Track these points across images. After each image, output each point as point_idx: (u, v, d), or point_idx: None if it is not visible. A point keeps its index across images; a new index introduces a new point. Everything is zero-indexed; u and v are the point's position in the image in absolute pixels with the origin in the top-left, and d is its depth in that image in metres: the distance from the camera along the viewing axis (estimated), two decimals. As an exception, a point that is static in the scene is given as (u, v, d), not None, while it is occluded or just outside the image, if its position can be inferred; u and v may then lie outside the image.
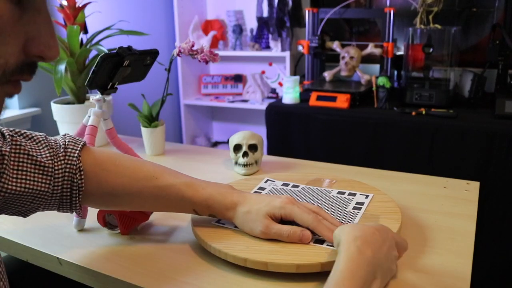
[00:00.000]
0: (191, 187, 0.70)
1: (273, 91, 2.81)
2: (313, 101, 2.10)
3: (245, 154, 1.04)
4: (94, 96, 0.89)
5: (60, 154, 0.67)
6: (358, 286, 0.52)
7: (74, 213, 0.72)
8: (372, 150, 1.94)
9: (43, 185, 0.64)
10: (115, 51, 0.84)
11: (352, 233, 0.58)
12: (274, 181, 0.91)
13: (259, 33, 2.74)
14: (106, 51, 1.13)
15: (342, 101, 2.04)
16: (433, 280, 0.63)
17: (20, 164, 0.63)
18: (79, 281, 0.72)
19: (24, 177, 0.62)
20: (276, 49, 2.60)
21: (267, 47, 2.75)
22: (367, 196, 0.82)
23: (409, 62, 2.11)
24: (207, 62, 1.08)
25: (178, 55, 1.08)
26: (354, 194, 0.83)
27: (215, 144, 3.12)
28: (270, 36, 2.63)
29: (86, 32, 1.40)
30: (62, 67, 1.15)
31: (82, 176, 0.67)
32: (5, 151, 0.61)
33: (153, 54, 0.93)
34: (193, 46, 1.08)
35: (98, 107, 0.89)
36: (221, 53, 2.71)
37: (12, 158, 0.62)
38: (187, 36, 2.79)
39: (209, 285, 0.63)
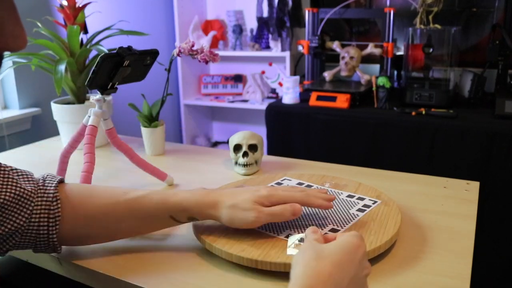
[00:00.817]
0: (162, 194, 0.69)
1: (273, 91, 2.81)
2: (313, 101, 2.10)
3: (245, 154, 1.04)
4: (94, 96, 0.89)
5: (40, 184, 0.67)
6: None
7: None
8: (372, 150, 1.94)
9: (20, 218, 0.63)
10: (115, 51, 0.84)
11: (301, 281, 0.49)
12: (290, 180, 0.93)
13: (259, 33, 2.74)
14: (106, 51, 1.13)
15: (342, 101, 2.04)
16: (433, 280, 0.63)
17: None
18: (79, 281, 0.72)
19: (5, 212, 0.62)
20: (276, 49, 2.60)
21: (267, 47, 2.75)
22: (374, 202, 0.81)
23: (409, 62, 2.11)
24: (207, 62, 1.08)
25: (178, 55, 1.08)
26: (363, 199, 0.83)
27: (215, 144, 3.12)
28: (270, 36, 2.63)
29: (86, 32, 1.40)
30: (62, 67, 1.15)
31: (59, 205, 0.66)
32: None
33: (153, 54, 0.93)
34: (193, 46, 1.08)
35: (98, 107, 0.89)
36: (221, 53, 2.71)
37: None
38: (187, 36, 2.79)
39: (209, 285, 0.63)
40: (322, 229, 0.71)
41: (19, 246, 0.66)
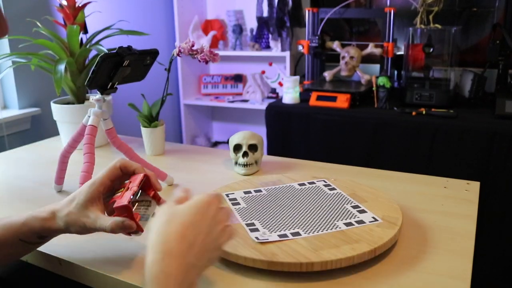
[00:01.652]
0: (8, 218, 0.66)
1: (273, 91, 2.81)
2: (313, 101, 2.10)
3: (245, 154, 1.04)
4: (94, 96, 0.89)
5: None
6: None
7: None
8: (372, 150, 1.94)
9: None
10: (115, 51, 0.84)
11: (155, 251, 0.51)
12: (326, 182, 0.93)
13: (259, 33, 2.74)
14: (106, 51, 1.13)
15: (342, 101, 2.04)
16: (433, 280, 0.63)
17: None
18: (79, 281, 0.71)
19: None
20: (276, 49, 2.60)
21: (267, 47, 2.74)
22: (374, 221, 0.75)
23: (409, 62, 2.11)
24: (207, 62, 1.08)
25: (178, 55, 1.08)
26: (365, 212, 0.78)
27: (215, 144, 3.12)
28: (270, 36, 2.63)
29: (86, 32, 1.40)
30: (62, 67, 1.15)
31: None
32: None
33: (153, 54, 0.93)
34: (193, 46, 1.08)
35: (98, 107, 0.89)
36: (221, 53, 2.71)
37: None
38: (187, 36, 2.79)
39: (209, 285, 0.63)
40: (288, 230, 0.71)
41: None
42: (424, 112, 1.88)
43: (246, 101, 2.78)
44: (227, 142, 2.60)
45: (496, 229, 1.75)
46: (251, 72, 2.84)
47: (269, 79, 2.75)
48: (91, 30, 1.42)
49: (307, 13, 2.25)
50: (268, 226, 0.73)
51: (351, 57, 2.18)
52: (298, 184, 0.91)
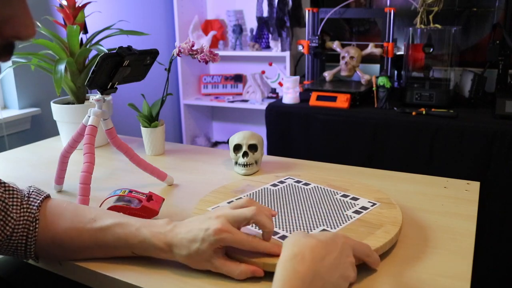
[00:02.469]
0: (125, 230, 0.67)
1: (273, 91, 2.81)
2: (313, 101, 2.10)
3: (245, 154, 1.04)
4: (94, 96, 0.89)
5: (24, 202, 0.69)
6: None
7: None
8: (372, 150, 1.94)
9: (2, 235, 0.65)
10: (115, 51, 0.84)
11: (291, 249, 0.56)
12: (294, 179, 0.94)
13: (259, 33, 2.74)
14: (106, 51, 1.12)
15: (342, 101, 2.04)
16: (433, 280, 0.63)
17: None
18: (79, 281, 0.71)
19: None
20: (276, 49, 2.60)
21: (267, 47, 2.75)
22: (373, 204, 0.81)
23: (409, 62, 2.11)
24: (207, 62, 1.08)
25: (178, 55, 1.08)
26: (357, 199, 0.83)
27: (215, 144, 3.12)
28: (270, 36, 2.63)
29: (86, 32, 1.39)
30: (62, 67, 1.15)
31: (37, 226, 0.68)
32: None
33: (153, 54, 0.93)
34: (193, 46, 1.08)
35: (98, 107, 0.89)
36: (221, 53, 2.71)
37: None
38: (187, 36, 2.79)
39: (209, 285, 0.63)
40: (313, 230, 0.72)
41: None
42: (424, 112, 1.88)
43: (246, 101, 2.78)
44: (227, 142, 2.60)
45: (496, 229, 1.75)
46: (251, 72, 2.84)
47: (269, 79, 2.75)
48: (91, 30, 1.42)
49: (307, 13, 2.25)
50: (284, 227, 0.73)
51: (351, 57, 2.18)
52: (271, 185, 0.90)
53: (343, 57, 2.20)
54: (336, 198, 0.83)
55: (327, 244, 0.58)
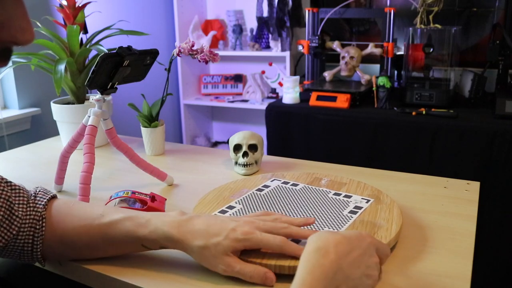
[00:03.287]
0: (134, 222, 0.66)
1: (273, 91, 2.81)
2: (313, 101, 2.10)
3: (245, 154, 1.04)
4: (94, 96, 0.89)
5: (30, 201, 0.68)
6: None
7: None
8: (372, 150, 1.94)
9: (8, 235, 0.65)
10: (115, 51, 0.84)
11: (315, 243, 0.56)
12: (280, 180, 0.93)
13: (259, 33, 2.74)
14: (106, 51, 1.12)
15: (342, 101, 2.04)
16: (433, 280, 0.63)
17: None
18: (79, 281, 0.71)
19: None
20: (276, 49, 2.60)
21: (267, 47, 2.75)
22: (368, 201, 0.81)
23: (409, 62, 2.11)
24: (207, 62, 1.08)
25: (178, 55, 1.08)
26: (350, 196, 0.83)
27: (215, 144, 3.12)
28: (270, 36, 2.63)
29: (86, 32, 1.39)
30: (61, 67, 1.15)
31: (43, 225, 0.67)
32: None
33: (153, 54, 0.93)
34: (193, 46, 1.08)
35: (98, 107, 0.89)
36: (221, 53, 2.71)
37: None
38: (187, 36, 2.79)
39: (209, 285, 0.63)
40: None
41: (3, 257, 0.68)
42: (424, 112, 1.88)
43: (246, 101, 2.78)
44: (227, 142, 2.60)
45: (496, 229, 1.75)
46: (251, 72, 2.84)
47: (269, 79, 2.75)
48: (91, 30, 1.42)
49: (307, 13, 2.25)
50: None
51: (351, 57, 2.18)
52: (256, 190, 0.88)
53: (343, 57, 2.20)
54: (330, 197, 0.83)
55: (352, 241, 0.57)
